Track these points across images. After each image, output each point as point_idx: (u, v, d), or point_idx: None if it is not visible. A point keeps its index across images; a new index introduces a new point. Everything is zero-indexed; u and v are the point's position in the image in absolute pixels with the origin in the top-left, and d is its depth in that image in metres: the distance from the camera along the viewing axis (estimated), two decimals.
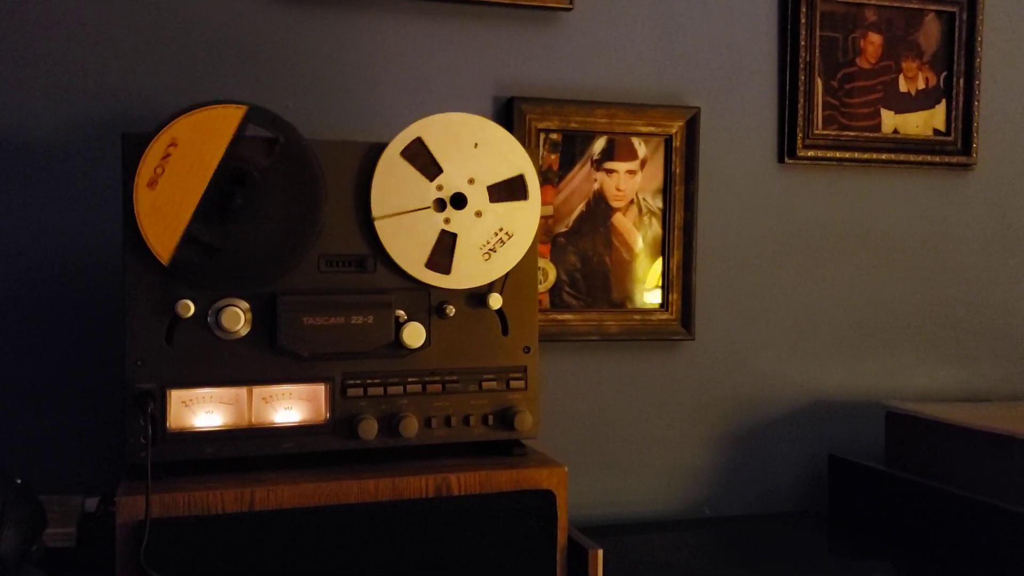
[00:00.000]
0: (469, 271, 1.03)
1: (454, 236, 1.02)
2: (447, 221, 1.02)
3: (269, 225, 0.94)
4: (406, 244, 1.00)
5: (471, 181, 1.02)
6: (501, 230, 1.03)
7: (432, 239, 1.01)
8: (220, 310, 0.94)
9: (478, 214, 1.03)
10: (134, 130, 0.97)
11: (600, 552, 0.99)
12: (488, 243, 1.03)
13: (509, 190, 1.04)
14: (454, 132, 1.02)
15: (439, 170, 1.01)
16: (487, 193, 1.03)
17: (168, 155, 0.91)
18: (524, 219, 1.04)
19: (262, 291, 0.96)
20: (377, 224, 0.99)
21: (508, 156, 1.04)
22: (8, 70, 1.20)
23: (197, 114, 0.93)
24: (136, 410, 0.93)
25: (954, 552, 1.23)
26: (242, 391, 0.97)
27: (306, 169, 0.96)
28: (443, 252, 1.01)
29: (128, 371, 0.93)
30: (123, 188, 0.92)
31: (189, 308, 0.93)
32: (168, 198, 0.92)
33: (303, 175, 0.96)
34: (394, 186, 1.00)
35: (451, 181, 1.02)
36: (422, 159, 1.01)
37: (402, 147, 1.00)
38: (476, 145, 1.02)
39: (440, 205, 1.01)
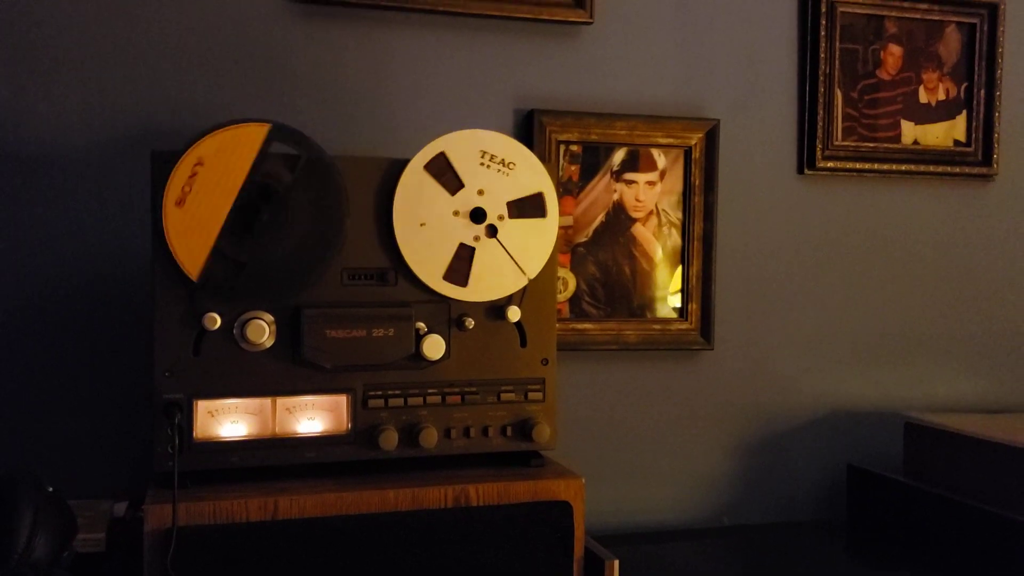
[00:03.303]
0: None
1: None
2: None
3: (293, 239, 0.96)
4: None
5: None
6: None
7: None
8: (245, 323, 0.96)
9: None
10: (163, 144, 1.00)
11: (616, 563, 1.01)
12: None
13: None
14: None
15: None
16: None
17: (195, 174, 0.94)
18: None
19: (286, 304, 0.98)
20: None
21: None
22: (42, 83, 1.23)
23: (221, 133, 0.95)
24: (163, 420, 0.95)
25: (972, 565, 1.23)
26: (266, 402, 0.99)
27: (329, 184, 0.98)
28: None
29: (156, 382, 0.96)
30: (152, 203, 0.95)
31: (215, 321, 0.95)
32: (196, 216, 0.94)
33: (327, 190, 0.98)
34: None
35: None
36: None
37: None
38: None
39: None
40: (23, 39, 1.23)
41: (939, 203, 1.59)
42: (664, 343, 1.46)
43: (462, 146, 1.03)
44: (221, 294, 0.96)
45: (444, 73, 1.37)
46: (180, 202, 0.93)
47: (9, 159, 1.23)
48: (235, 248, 0.95)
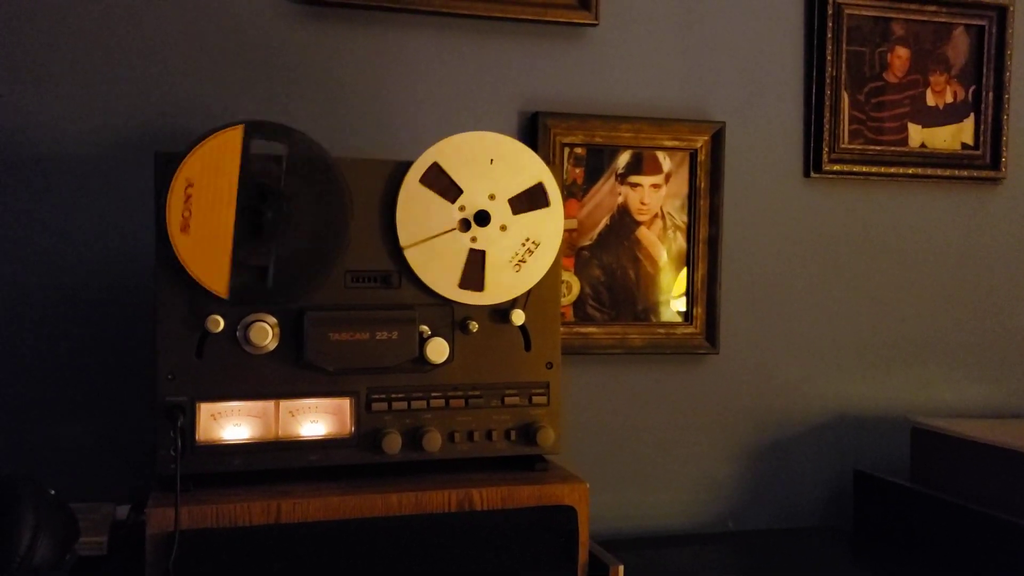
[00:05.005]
0: (500, 286, 1.04)
1: (483, 253, 1.03)
2: (474, 239, 1.03)
3: (300, 239, 0.96)
4: (435, 265, 1.02)
5: (491, 197, 1.03)
6: (528, 240, 1.04)
7: (462, 259, 1.02)
8: (249, 325, 0.96)
9: (503, 228, 1.04)
10: (164, 146, 0.99)
11: (621, 568, 1.00)
12: (517, 255, 1.04)
13: (530, 200, 1.05)
14: (469, 151, 1.03)
15: (459, 191, 1.02)
16: (509, 206, 1.04)
17: (189, 197, 0.93)
18: (549, 227, 1.05)
19: (291, 307, 0.98)
20: (406, 251, 1.00)
21: (526, 168, 1.05)
22: (44, 85, 1.23)
23: (200, 149, 0.94)
24: (166, 423, 0.94)
25: (980, 571, 1.22)
26: (269, 404, 0.98)
27: (325, 174, 0.97)
28: (474, 270, 1.03)
29: (159, 384, 0.95)
30: (156, 206, 0.94)
31: (219, 323, 0.95)
32: (204, 237, 0.94)
33: (324, 182, 0.97)
34: (417, 210, 1.01)
35: (473, 200, 1.03)
36: (441, 182, 1.02)
37: (420, 173, 1.01)
38: (492, 161, 1.03)
39: (465, 225, 1.03)
40: (23, 40, 1.23)
41: (947, 207, 1.58)
42: (669, 347, 1.45)
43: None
44: (257, 304, 0.96)
45: (448, 75, 1.37)
46: (184, 228, 0.93)
47: (10, 161, 1.23)
48: (251, 255, 0.95)
